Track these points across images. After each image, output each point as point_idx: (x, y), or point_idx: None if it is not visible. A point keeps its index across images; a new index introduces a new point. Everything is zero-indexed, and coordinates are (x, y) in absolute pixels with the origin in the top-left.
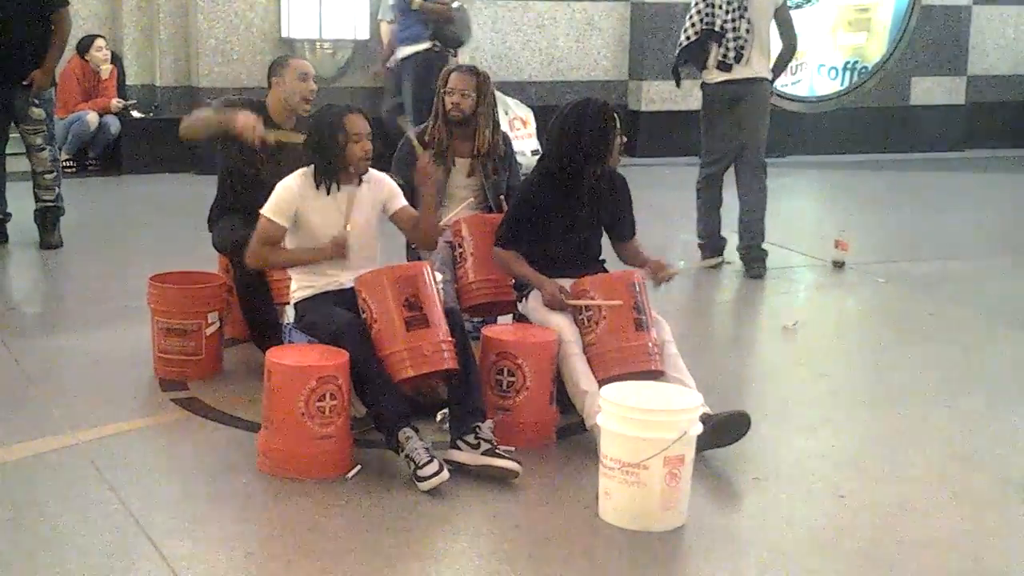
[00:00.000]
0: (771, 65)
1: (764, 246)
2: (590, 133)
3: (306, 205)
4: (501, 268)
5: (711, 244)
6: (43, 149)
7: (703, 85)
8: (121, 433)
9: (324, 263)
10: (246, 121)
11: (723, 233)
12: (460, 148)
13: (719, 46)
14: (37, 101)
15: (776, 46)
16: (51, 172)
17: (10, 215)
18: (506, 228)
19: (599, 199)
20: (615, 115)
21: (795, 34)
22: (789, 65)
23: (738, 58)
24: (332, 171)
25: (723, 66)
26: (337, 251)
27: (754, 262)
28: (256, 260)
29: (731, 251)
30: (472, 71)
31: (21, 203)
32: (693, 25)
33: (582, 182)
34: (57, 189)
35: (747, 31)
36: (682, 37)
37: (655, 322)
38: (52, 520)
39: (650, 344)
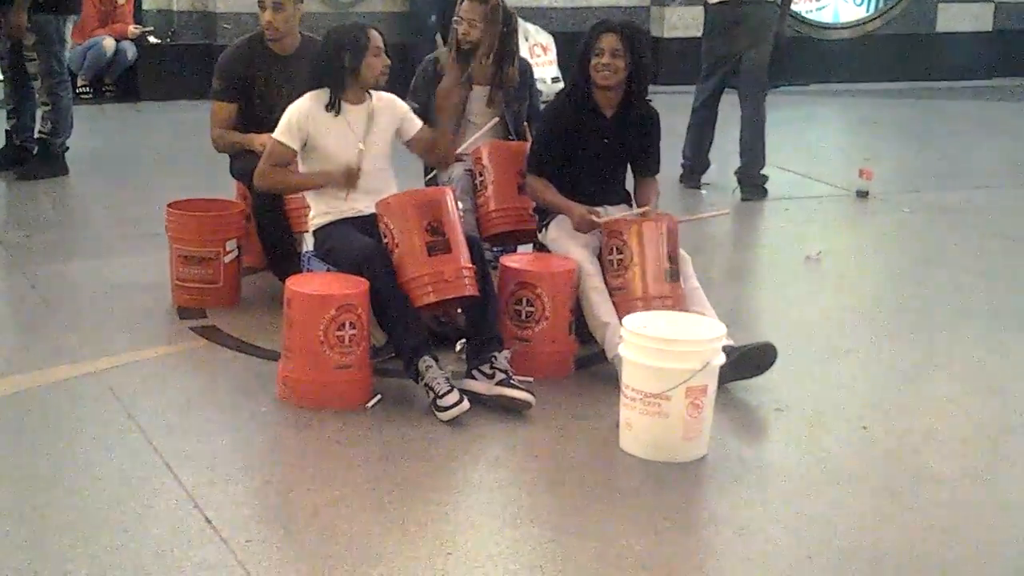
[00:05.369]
0: None
1: (765, 171)
2: (583, 51)
3: (318, 127)
4: (532, 196)
5: (696, 166)
6: (35, 78)
7: (707, 5)
8: (139, 361)
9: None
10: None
11: (712, 156)
12: (478, 76)
13: None
14: (30, 26)
15: None
16: (43, 105)
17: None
18: (533, 154)
19: (626, 131)
20: (614, 32)
21: None
22: None
23: None
24: (343, 88)
25: None
26: (348, 181)
27: (748, 186)
28: (264, 181)
29: (725, 175)
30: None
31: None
32: None
33: (596, 104)
34: (46, 125)
35: None
36: None
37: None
38: (70, 447)
39: (676, 295)
